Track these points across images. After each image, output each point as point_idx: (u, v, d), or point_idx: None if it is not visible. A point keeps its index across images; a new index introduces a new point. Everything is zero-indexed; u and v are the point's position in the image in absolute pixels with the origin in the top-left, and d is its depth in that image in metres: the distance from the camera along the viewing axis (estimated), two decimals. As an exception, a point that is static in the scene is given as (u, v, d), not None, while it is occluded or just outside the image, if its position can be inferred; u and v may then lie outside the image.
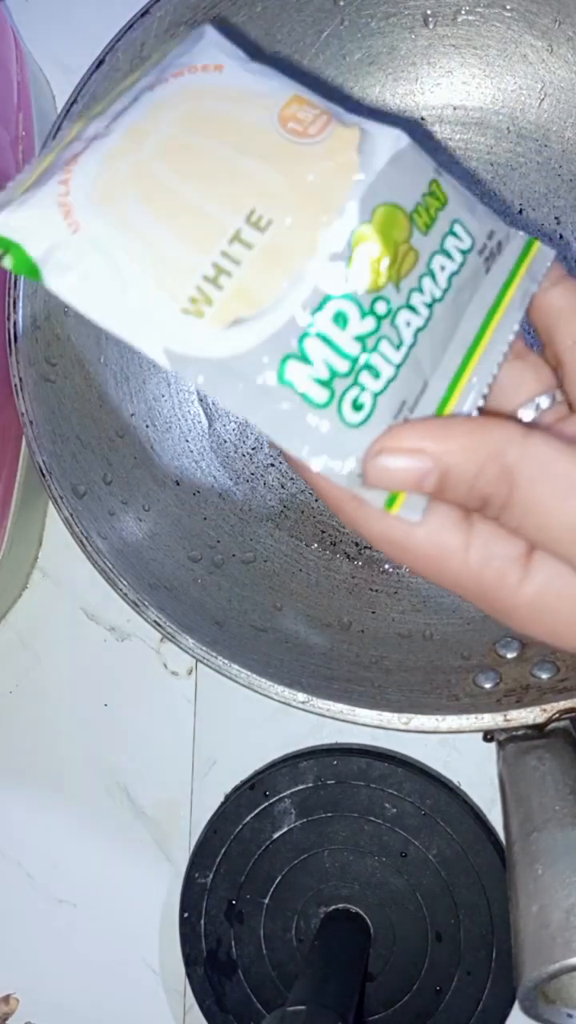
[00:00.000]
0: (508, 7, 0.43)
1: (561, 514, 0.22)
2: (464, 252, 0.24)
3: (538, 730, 0.36)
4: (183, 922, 0.45)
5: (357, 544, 0.45)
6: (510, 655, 0.40)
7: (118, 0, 0.43)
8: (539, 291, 0.25)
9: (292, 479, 0.46)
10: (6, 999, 0.48)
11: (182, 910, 0.45)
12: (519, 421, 0.25)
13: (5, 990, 0.49)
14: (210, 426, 0.46)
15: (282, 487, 0.46)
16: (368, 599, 0.44)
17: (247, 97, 0.23)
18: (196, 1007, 0.45)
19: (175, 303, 0.21)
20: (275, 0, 0.42)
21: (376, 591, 0.44)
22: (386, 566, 0.45)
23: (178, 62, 0.24)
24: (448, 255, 0.24)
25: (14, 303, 0.40)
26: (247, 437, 0.46)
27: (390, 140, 0.23)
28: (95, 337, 0.43)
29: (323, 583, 0.45)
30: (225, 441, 0.46)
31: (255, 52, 0.41)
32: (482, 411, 0.24)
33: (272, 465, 0.46)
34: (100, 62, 0.40)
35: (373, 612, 0.44)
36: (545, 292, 0.25)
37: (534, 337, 0.27)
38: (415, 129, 0.46)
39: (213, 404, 0.46)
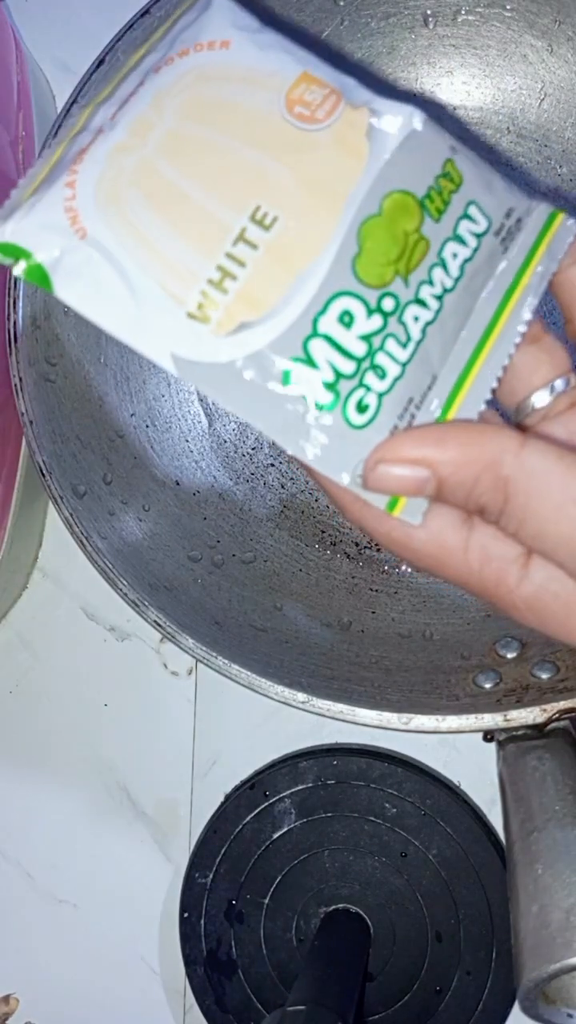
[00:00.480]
0: (508, 7, 0.43)
1: (556, 525, 0.22)
2: (479, 236, 0.23)
3: (538, 730, 0.36)
4: (183, 922, 0.45)
5: (357, 544, 0.45)
6: (510, 655, 0.40)
7: (118, 0, 0.43)
8: (561, 268, 0.25)
9: (292, 479, 0.46)
10: (6, 999, 0.48)
11: (182, 910, 0.45)
12: (518, 428, 0.25)
13: (5, 990, 0.49)
14: (210, 426, 0.46)
15: (282, 487, 0.46)
16: (368, 599, 0.44)
17: (254, 78, 0.23)
18: (196, 1007, 0.45)
19: (181, 308, 0.21)
20: (275, 0, 0.42)
21: (376, 591, 0.44)
22: (386, 566, 0.45)
23: (184, 36, 0.23)
24: (461, 241, 0.23)
25: (14, 303, 0.40)
26: (247, 437, 0.46)
27: (401, 120, 0.22)
28: (95, 337, 0.43)
29: (323, 583, 0.45)
30: (225, 441, 0.46)
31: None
32: (492, 402, 0.24)
33: (272, 465, 0.46)
34: (100, 62, 0.40)
35: (373, 612, 0.44)
36: (568, 268, 0.25)
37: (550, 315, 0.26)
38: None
39: (213, 404, 0.46)
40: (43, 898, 0.49)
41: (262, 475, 0.46)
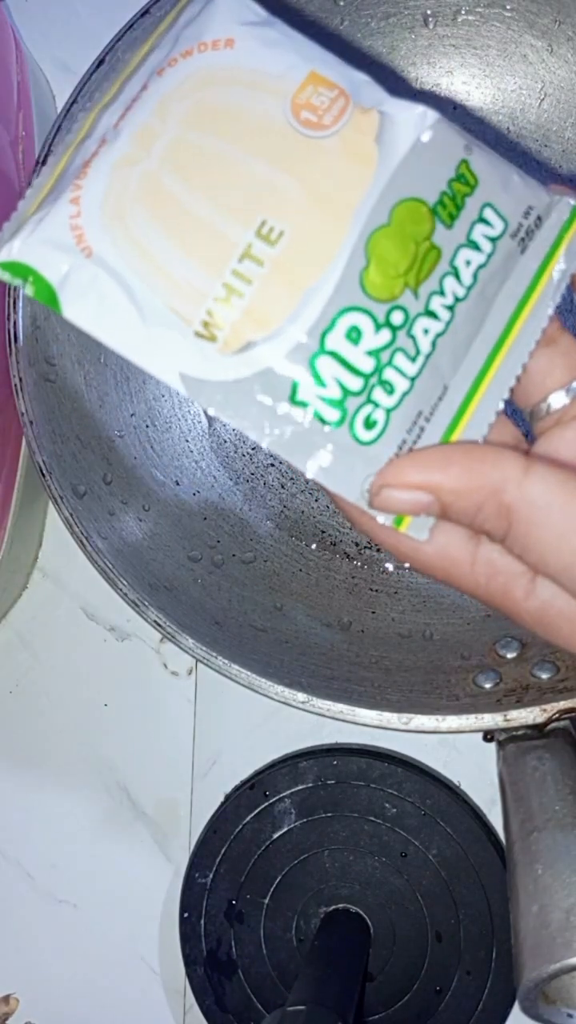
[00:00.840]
0: (508, 7, 0.43)
1: (558, 553, 0.22)
2: (494, 239, 0.23)
3: (538, 730, 0.36)
4: (183, 922, 0.45)
5: (357, 544, 0.45)
6: (510, 655, 0.40)
7: (118, 0, 0.43)
8: None
9: (292, 479, 0.46)
10: (6, 999, 0.48)
11: (182, 910, 0.45)
12: (523, 452, 0.25)
13: (5, 990, 0.49)
14: (210, 426, 0.46)
15: (282, 487, 0.46)
16: (368, 599, 0.44)
17: (259, 81, 0.22)
18: (196, 1007, 0.45)
19: (188, 327, 0.21)
20: (275, 1, 0.42)
21: (376, 591, 0.44)
22: (386, 565, 0.45)
23: (188, 34, 0.23)
24: (476, 247, 0.23)
25: (14, 303, 0.40)
26: (247, 437, 0.46)
27: (413, 123, 0.22)
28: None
29: (323, 583, 0.45)
30: (225, 441, 0.46)
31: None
32: (507, 404, 0.24)
33: (272, 465, 0.46)
34: (100, 62, 0.40)
35: (373, 612, 0.44)
36: None
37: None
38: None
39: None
40: (43, 898, 0.49)
41: (262, 475, 0.46)
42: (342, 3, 0.43)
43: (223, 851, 0.45)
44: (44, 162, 0.40)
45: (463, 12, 0.43)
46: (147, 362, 0.21)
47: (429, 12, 0.43)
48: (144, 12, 0.40)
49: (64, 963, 0.48)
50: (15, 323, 0.40)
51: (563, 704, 0.36)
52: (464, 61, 0.45)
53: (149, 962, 0.48)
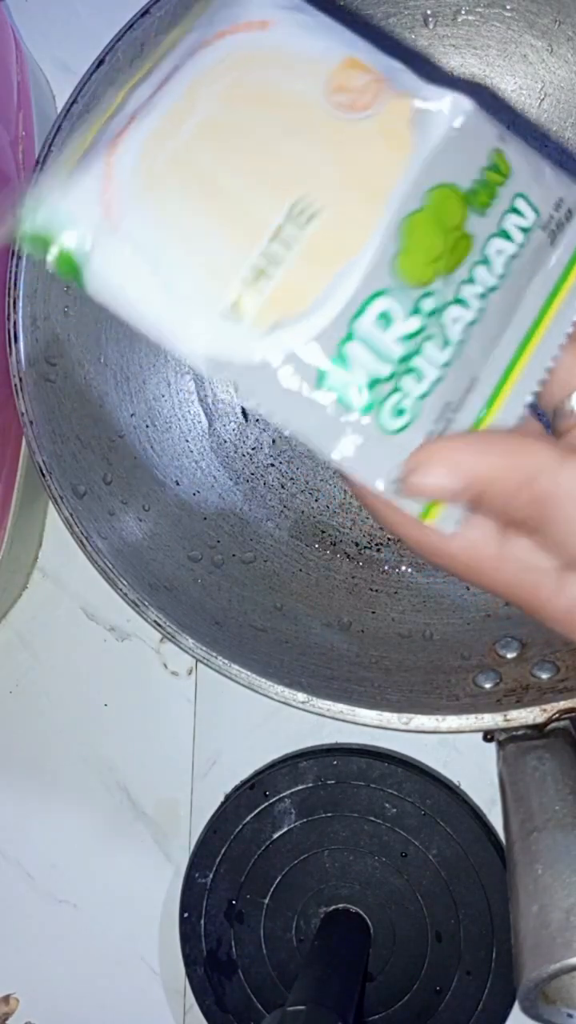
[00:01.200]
0: (508, 7, 0.43)
1: None
2: (526, 230, 0.22)
3: (538, 730, 0.36)
4: (183, 922, 0.45)
5: (357, 544, 0.45)
6: (510, 655, 0.40)
7: (118, 0, 0.43)
8: None
9: (292, 479, 0.46)
10: (6, 999, 0.48)
11: (182, 910, 0.45)
12: (555, 429, 0.25)
13: (5, 990, 0.49)
14: (210, 426, 0.46)
15: (282, 487, 0.46)
16: (368, 599, 0.44)
17: (295, 63, 0.22)
18: (196, 1007, 0.45)
19: (215, 307, 0.21)
20: None
21: (376, 591, 0.44)
22: (386, 566, 0.45)
23: (223, 15, 0.22)
24: (507, 236, 0.22)
25: (14, 303, 0.40)
26: (247, 437, 0.46)
27: (448, 110, 0.21)
28: (95, 337, 0.43)
29: (323, 583, 0.45)
30: (225, 441, 0.46)
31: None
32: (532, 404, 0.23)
33: (272, 465, 0.46)
34: (100, 62, 0.40)
35: (373, 612, 0.44)
36: None
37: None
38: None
39: (213, 404, 0.46)
40: (43, 898, 0.49)
41: (262, 475, 0.46)
42: (342, 3, 0.43)
43: (223, 851, 0.45)
44: (44, 162, 0.40)
45: (463, 12, 0.43)
46: (172, 341, 0.21)
47: (429, 12, 0.43)
48: (144, 12, 0.40)
49: (64, 963, 0.48)
50: (15, 323, 0.40)
51: (563, 704, 0.36)
52: (464, 61, 0.45)
53: (149, 962, 0.48)
